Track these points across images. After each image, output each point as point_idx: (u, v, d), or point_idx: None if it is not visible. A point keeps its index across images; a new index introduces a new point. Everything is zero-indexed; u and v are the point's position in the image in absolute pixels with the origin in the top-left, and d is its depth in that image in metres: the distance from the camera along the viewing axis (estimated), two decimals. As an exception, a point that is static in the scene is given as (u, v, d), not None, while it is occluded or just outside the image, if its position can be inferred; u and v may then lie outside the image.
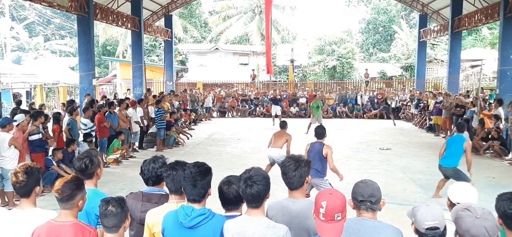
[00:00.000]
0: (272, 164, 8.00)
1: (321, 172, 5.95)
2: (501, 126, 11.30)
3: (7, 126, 6.69)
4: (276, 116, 17.98)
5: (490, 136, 11.08)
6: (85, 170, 2.91)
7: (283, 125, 8.33)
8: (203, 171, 2.52)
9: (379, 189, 2.45)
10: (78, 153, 8.83)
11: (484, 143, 11.06)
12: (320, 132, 6.12)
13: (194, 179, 2.47)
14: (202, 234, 2.42)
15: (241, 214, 2.61)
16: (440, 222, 2.17)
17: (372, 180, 2.52)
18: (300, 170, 2.64)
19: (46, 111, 11.71)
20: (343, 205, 2.14)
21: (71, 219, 2.47)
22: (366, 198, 2.39)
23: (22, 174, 2.66)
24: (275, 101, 18.37)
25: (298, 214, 2.62)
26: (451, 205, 2.88)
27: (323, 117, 19.97)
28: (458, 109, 13.55)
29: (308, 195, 2.52)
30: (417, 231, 2.23)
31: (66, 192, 2.44)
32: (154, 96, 14.97)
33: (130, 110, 11.30)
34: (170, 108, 14.15)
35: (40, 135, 7.52)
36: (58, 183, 2.47)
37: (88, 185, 2.94)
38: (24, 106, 12.91)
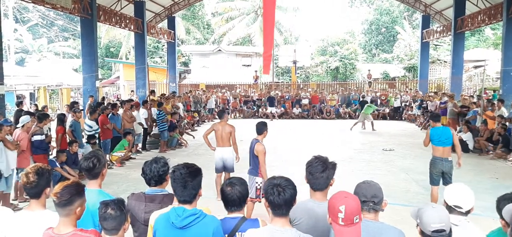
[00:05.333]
0: (221, 170, 6.74)
1: (254, 169, 5.50)
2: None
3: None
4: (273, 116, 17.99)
5: (493, 137, 11.02)
6: (92, 169, 2.90)
7: (221, 114, 6.97)
8: (193, 172, 2.50)
9: (381, 189, 2.44)
10: (82, 154, 8.87)
11: (490, 144, 10.98)
12: (259, 128, 5.55)
13: (184, 180, 2.45)
14: (194, 234, 2.41)
15: (243, 216, 2.62)
16: (447, 224, 2.13)
17: (374, 180, 2.52)
18: (327, 172, 2.66)
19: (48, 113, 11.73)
20: (359, 207, 2.13)
21: (71, 229, 2.37)
22: (369, 199, 2.38)
23: (33, 175, 2.62)
24: (271, 100, 18.26)
25: (324, 217, 2.56)
26: (448, 208, 2.80)
27: (325, 118, 20.06)
28: (465, 109, 13.52)
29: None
30: (422, 233, 2.18)
31: (64, 196, 2.34)
32: (159, 97, 15.04)
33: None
34: (172, 109, 14.18)
35: (43, 137, 7.53)
36: (58, 187, 2.39)
37: (93, 186, 2.94)
38: (25, 108, 12.93)
